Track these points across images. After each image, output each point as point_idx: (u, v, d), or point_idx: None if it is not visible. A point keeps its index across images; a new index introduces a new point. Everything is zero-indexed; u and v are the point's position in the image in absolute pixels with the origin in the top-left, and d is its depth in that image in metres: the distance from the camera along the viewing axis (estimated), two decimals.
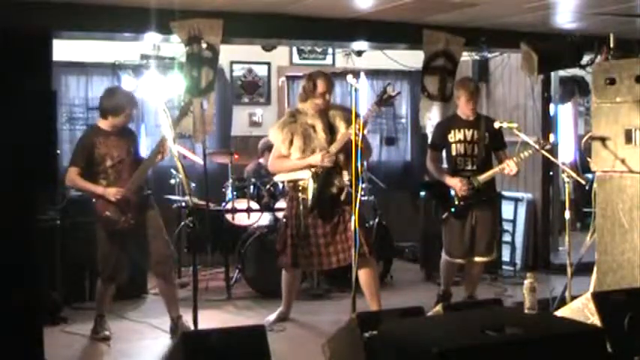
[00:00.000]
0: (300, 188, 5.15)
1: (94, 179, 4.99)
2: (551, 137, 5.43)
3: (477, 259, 5.65)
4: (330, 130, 5.17)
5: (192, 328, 5.04)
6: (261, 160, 6.83)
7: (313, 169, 5.11)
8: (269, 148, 5.78)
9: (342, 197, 5.12)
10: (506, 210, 7.36)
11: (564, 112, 9.62)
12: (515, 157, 5.40)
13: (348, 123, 4.99)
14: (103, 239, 5.02)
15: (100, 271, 5.08)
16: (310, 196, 5.11)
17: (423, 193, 7.16)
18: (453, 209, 5.57)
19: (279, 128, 5.23)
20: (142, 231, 5.06)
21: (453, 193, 5.56)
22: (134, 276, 5.64)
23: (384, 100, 5.04)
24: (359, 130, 4.57)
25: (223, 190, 6.70)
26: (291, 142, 5.15)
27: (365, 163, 5.99)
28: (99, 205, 4.98)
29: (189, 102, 5.36)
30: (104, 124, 5.06)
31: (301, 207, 5.15)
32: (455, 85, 5.99)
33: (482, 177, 5.52)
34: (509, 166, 5.41)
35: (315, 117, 5.16)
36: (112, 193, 4.92)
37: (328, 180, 5.12)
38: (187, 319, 4.99)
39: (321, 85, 5.13)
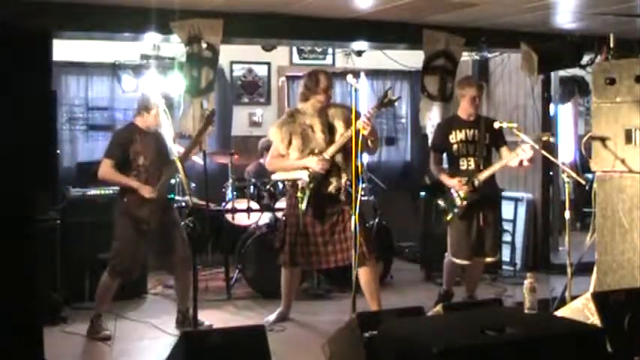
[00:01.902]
0: (300, 187, 5.16)
1: (126, 175, 5.04)
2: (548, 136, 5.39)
3: (486, 259, 5.64)
4: (329, 130, 5.17)
5: (206, 323, 5.19)
6: (261, 160, 6.83)
7: (310, 169, 5.11)
8: (268, 148, 5.79)
9: (342, 197, 5.13)
10: (506, 210, 7.36)
11: (564, 112, 9.62)
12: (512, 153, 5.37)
13: (347, 123, 4.99)
14: (126, 235, 5.03)
15: (112, 265, 5.06)
16: (306, 195, 5.11)
17: (423, 194, 7.17)
18: (456, 210, 5.57)
19: (277, 128, 5.24)
20: (165, 230, 5.13)
21: (455, 194, 5.55)
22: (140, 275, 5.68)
23: (384, 104, 5.03)
24: (358, 130, 4.58)
25: (223, 190, 6.70)
26: (289, 142, 5.16)
27: (372, 155, 5.91)
28: (131, 202, 5.01)
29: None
30: (140, 122, 5.12)
31: (299, 206, 5.16)
32: (458, 84, 5.95)
33: (483, 175, 5.51)
34: (525, 151, 5.22)
35: (314, 117, 5.17)
36: (148, 190, 4.97)
37: (326, 179, 5.12)
38: None
39: (323, 81, 5.13)
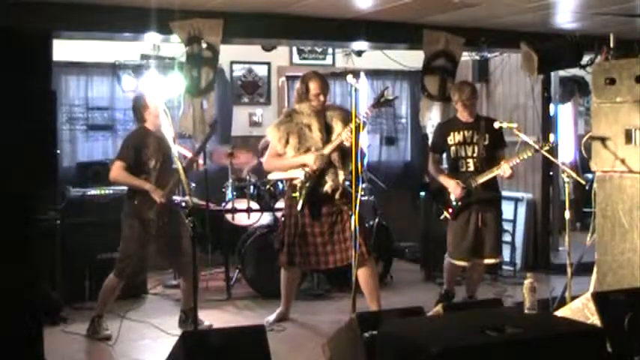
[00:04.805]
0: (297, 187, 5.15)
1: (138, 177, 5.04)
2: (551, 137, 5.40)
3: (485, 260, 5.63)
4: (327, 130, 5.17)
5: (206, 323, 5.21)
6: (261, 160, 6.83)
7: (307, 168, 5.11)
8: (267, 148, 5.79)
9: (337, 196, 5.12)
10: (506, 210, 7.33)
11: (564, 112, 9.62)
12: (510, 160, 5.38)
13: (345, 123, 5.00)
14: (135, 238, 5.03)
15: (120, 267, 5.06)
16: (303, 195, 5.11)
17: (423, 194, 7.17)
18: (450, 210, 5.57)
19: (275, 127, 5.24)
20: (172, 232, 5.13)
21: (451, 195, 5.55)
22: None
23: (381, 104, 5.04)
24: (357, 130, 4.58)
25: (223, 190, 6.70)
26: (287, 142, 5.16)
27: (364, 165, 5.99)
28: (141, 204, 5.00)
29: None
30: (150, 125, 5.12)
31: (297, 206, 5.15)
32: (451, 89, 5.96)
33: (480, 178, 5.50)
34: (503, 170, 5.39)
35: (312, 117, 5.16)
36: (160, 194, 4.97)
37: (322, 179, 5.12)
38: None
39: (314, 87, 5.13)
